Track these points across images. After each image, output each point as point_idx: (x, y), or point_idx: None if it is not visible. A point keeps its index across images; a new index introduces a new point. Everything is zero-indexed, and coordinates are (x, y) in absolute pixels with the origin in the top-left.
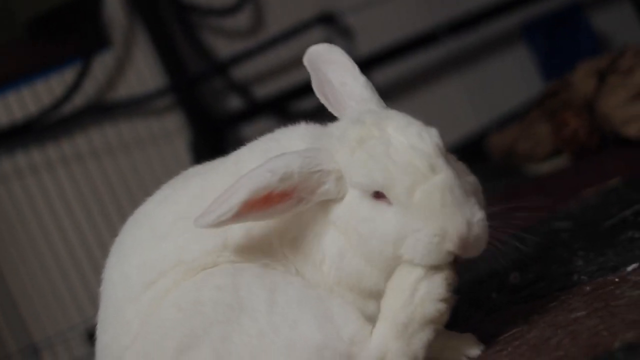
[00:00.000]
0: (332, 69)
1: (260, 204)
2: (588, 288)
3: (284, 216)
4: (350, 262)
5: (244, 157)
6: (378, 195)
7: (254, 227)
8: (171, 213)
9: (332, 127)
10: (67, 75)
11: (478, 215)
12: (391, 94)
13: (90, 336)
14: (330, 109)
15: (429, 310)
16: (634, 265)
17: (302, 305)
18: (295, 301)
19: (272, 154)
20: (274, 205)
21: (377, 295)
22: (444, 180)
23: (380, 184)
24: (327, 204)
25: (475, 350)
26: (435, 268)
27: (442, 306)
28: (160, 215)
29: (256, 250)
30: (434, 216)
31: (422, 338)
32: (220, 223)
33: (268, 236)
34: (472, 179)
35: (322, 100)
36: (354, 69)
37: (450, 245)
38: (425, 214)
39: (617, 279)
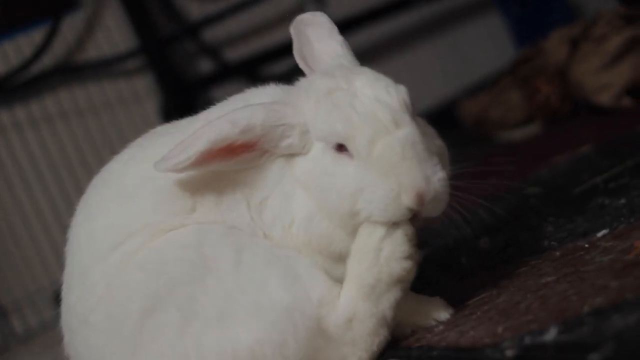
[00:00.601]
0: (312, 29)
1: (221, 153)
2: (558, 253)
3: (248, 167)
4: (320, 225)
5: (213, 116)
6: (340, 149)
7: (223, 191)
8: (139, 173)
9: (302, 80)
10: (36, 36)
11: (439, 174)
12: (363, 59)
13: (58, 298)
14: (306, 72)
15: (395, 269)
16: (603, 232)
17: (269, 266)
18: (262, 261)
19: None
20: (237, 156)
21: (346, 258)
22: (406, 135)
23: (342, 134)
24: (294, 161)
25: (444, 314)
26: (395, 225)
27: (407, 264)
28: (128, 175)
29: (225, 214)
30: (392, 170)
31: (389, 298)
32: (178, 170)
33: (237, 200)
34: (439, 143)
35: (301, 64)
36: (333, 29)
37: (407, 200)
38: (384, 168)
39: (586, 245)
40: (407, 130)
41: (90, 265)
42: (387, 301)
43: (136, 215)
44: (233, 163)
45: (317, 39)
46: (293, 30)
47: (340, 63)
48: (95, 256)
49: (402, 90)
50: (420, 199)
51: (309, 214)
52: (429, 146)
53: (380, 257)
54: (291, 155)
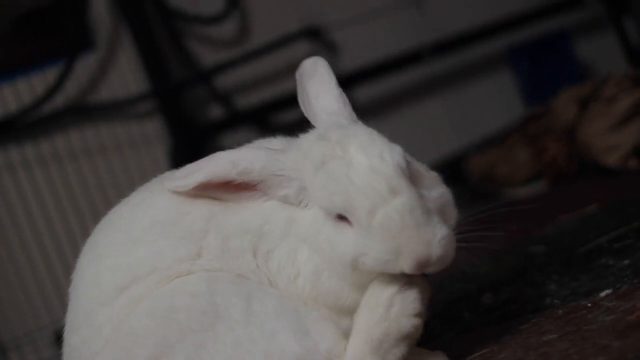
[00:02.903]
0: (311, 82)
1: (221, 187)
2: (561, 312)
3: (248, 205)
4: (328, 281)
5: None
6: (341, 217)
7: (229, 238)
8: (147, 217)
9: (302, 139)
10: (50, 75)
11: (440, 233)
12: (373, 112)
13: (59, 338)
14: (311, 122)
15: (404, 326)
16: (607, 292)
17: (279, 317)
18: (272, 312)
19: None
20: (237, 192)
21: (353, 312)
22: (403, 204)
23: (341, 207)
24: (298, 217)
25: None
26: (409, 283)
27: (417, 321)
28: (136, 219)
29: (231, 262)
30: (391, 239)
31: (397, 354)
32: (178, 193)
33: (243, 248)
34: (442, 190)
35: (305, 113)
36: (331, 82)
37: (405, 266)
38: (384, 237)
39: (589, 304)
40: (404, 198)
41: (96, 307)
42: (394, 356)
43: (143, 260)
44: (234, 197)
45: (315, 94)
46: (297, 76)
47: (337, 122)
48: (101, 299)
49: (396, 152)
50: (421, 265)
51: (316, 270)
52: (428, 207)
53: (391, 312)
54: (294, 210)
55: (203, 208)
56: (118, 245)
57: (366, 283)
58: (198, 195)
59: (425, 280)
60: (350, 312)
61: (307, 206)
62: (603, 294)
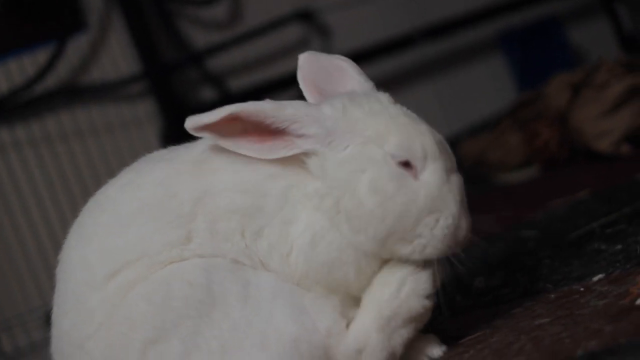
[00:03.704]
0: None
1: (247, 131)
2: (552, 296)
3: (270, 157)
4: (324, 250)
5: (211, 145)
6: (406, 167)
7: (217, 220)
8: (135, 199)
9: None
10: (41, 56)
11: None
12: None
13: (49, 319)
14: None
15: (414, 306)
16: (599, 276)
17: (275, 298)
18: (269, 294)
19: None
20: (260, 140)
21: (342, 289)
22: (461, 179)
23: (419, 153)
24: (304, 179)
25: (437, 351)
26: (425, 264)
27: (427, 303)
28: (124, 201)
29: (221, 244)
30: (454, 205)
31: (403, 334)
32: (202, 126)
33: (231, 229)
34: None
35: (311, 96)
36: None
37: (461, 235)
38: (452, 201)
39: (582, 289)
40: (460, 176)
41: (86, 291)
42: (400, 337)
43: (132, 243)
44: (257, 147)
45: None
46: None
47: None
48: (91, 283)
49: None
50: (465, 240)
51: (313, 239)
52: None
53: (402, 291)
54: (298, 175)
55: (191, 189)
56: (105, 228)
57: (372, 256)
58: (220, 142)
59: (439, 265)
60: (338, 288)
61: (338, 148)
62: (595, 278)
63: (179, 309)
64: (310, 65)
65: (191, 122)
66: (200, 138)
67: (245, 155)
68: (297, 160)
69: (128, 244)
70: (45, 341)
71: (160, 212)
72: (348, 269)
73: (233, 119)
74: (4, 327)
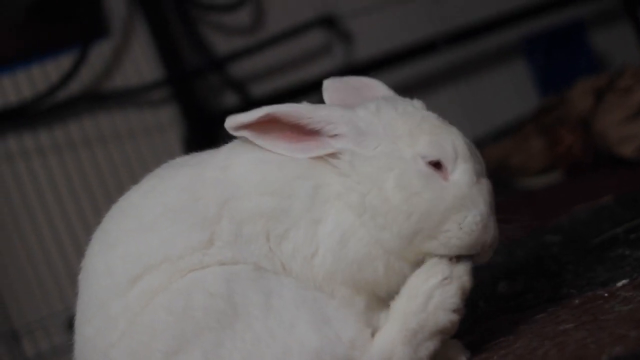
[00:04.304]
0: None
1: (286, 130)
2: (577, 301)
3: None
4: (354, 247)
5: (235, 151)
6: (436, 167)
7: (243, 223)
8: (159, 204)
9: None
10: (64, 62)
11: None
12: None
13: (71, 324)
14: None
15: (441, 320)
16: (624, 281)
17: (298, 308)
18: (291, 303)
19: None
20: (294, 139)
21: (369, 289)
22: (490, 184)
23: (450, 156)
24: (332, 176)
25: (461, 357)
26: (452, 277)
27: (454, 317)
28: (148, 206)
29: (243, 248)
30: (484, 206)
31: (429, 347)
32: (238, 126)
33: (256, 232)
34: None
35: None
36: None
37: (489, 237)
38: (481, 202)
39: (606, 294)
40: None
41: (110, 298)
42: (427, 350)
43: (154, 248)
44: (291, 146)
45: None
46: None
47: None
48: (114, 289)
49: None
50: (492, 244)
51: (342, 237)
52: None
53: (430, 304)
54: (325, 175)
55: (216, 193)
56: (129, 233)
57: (405, 252)
58: (258, 140)
59: (469, 275)
60: (366, 289)
61: (369, 147)
62: (619, 284)
63: (200, 319)
64: (336, 85)
65: (230, 122)
66: (222, 145)
67: (269, 159)
68: (322, 161)
69: (150, 248)
70: (67, 346)
71: (184, 216)
72: (377, 265)
73: (270, 119)
74: (26, 332)
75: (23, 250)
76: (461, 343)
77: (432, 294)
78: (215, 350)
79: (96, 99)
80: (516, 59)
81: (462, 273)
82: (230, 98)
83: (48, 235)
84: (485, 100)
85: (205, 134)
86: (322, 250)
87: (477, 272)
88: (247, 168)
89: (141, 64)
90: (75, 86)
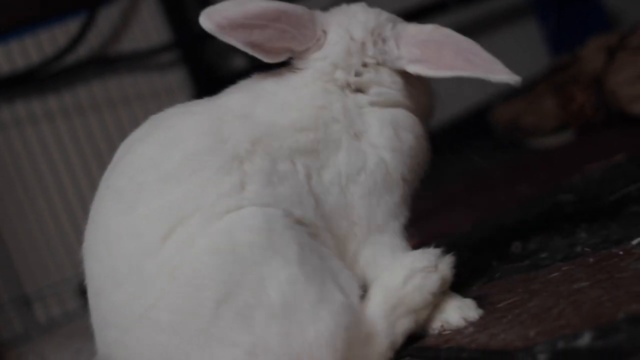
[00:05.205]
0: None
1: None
2: (591, 260)
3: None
4: (405, 135)
5: (248, 98)
6: None
7: (277, 160)
8: (178, 152)
9: None
10: (72, 26)
11: None
12: None
13: (83, 290)
14: None
15: (416, 301)
16: (638, 239)
17: (324, 270)
18: (319, 261)
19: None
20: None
21: (415, 178)
22: None
23: None
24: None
25: (474, 315)
26: (437, 267)
27: (429, 299)
28: (164, 156)
29: (277, 188)
30: None
31: (404, 324)
32: (224, 20)
33: (292, 169)
34: None
35: None
36: None
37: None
38: None
39: (621, 252)
40: None
41: (140, 260)
42: (402, 326)
43: (182, 199)
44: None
45: None
46: None
47: None
48: (144, 250)
49: None
50: None
51: (395, 128)
52: None
53: (409, 284)
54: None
55: (246, 132)
56: (149, 189)
57: None
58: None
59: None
60: (413, 178)
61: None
62: (634, 242)
63: (246, 256)
64: None
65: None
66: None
67: (288, 100)
68: (332, 83)
69: (178, 200)
70: (79, 311)
71: (210, 160)
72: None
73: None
74: (37, 297)
75: (33, 216)
76: (474, 301)
77: (414, 274)
78: (260, 288)
79: (104, 63)
80: (527, 18)
81: (446, 266)
82: (239, 60)
83: (58, 200)
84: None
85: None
86: (374, 154)
87: (490, 232)
88: (272, 111)
89: (149, 27)
90: (83, 50)
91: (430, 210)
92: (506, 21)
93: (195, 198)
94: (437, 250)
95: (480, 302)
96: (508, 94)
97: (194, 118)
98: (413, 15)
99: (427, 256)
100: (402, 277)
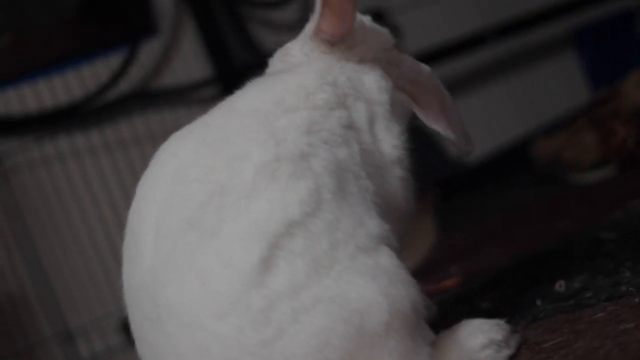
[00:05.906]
0: None
1: None
2: (637, 300)
3: None
4: None
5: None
6: None
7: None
8: (251, 165)
9: None
10: (113, 61)
11: None
12: None
13: (125, 325)
14: None
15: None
16: None
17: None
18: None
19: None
20: None
21: None
22: None
23: None
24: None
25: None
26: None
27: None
28: (234, 169)
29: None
30: None
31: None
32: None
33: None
34: None
35: None
36: None
37: None
38: None
39: None
40: None
41: (242, 295)
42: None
43: (269, 212)
44: None
45: None
46: None
47: None
48: (245, 281)
49: None
50: None
51: None
52: None
53: (484, 352)
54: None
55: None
56: (221, 205)
57: None
58: None
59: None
60: None
61: None
62: None
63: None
64: None
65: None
66: None
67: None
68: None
69: (266, 214)
70: (122, 346)
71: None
72: None
73: None
74: (80, 332)
75: (76, 251)
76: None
77: (491, 345)
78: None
79: (146, 98)
80: (566, 51)
81: (515, 344)
82: None
83: (100, 235)
84: (536, 93)
85: None
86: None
87: (533, 271)
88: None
89: (190, 61)
90: (125, 85)
91: (470, 246)
92: (545, 54)
93: (283, 210)
94: (509, 326)
95: (525, 342)
96: (549, 128)
97: (252, 120)
98: (452, 50)
99: (504, 330)
100: (480, 344)
